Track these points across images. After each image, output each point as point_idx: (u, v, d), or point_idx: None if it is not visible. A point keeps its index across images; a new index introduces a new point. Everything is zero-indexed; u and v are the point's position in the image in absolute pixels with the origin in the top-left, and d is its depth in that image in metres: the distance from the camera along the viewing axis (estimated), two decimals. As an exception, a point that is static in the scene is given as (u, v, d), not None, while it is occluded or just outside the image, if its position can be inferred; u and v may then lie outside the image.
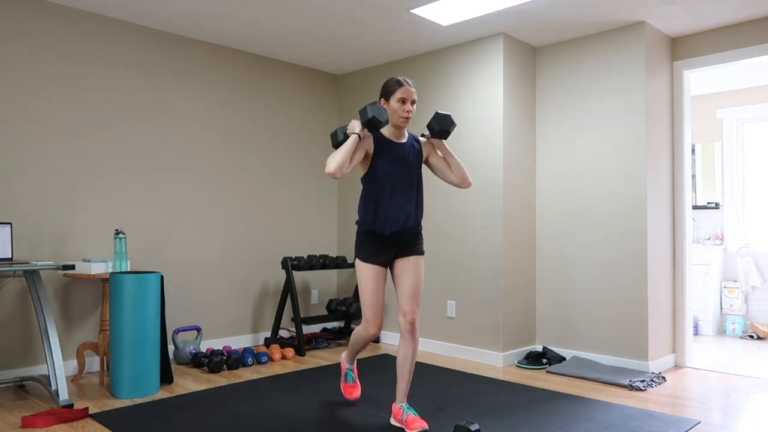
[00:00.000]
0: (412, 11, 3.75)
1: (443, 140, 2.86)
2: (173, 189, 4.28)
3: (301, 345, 4.42)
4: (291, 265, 4.61)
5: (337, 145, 2.79)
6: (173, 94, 4.29)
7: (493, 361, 4.15)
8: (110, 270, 3.57)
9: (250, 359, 4.03)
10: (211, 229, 4.48)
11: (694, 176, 5.86)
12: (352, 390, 3.14)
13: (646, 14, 3.79)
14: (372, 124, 2.64)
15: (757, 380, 3.76)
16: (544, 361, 4.10)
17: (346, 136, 2.75)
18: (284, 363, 4.16)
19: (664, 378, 3.73)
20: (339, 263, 4.87)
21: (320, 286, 5.29)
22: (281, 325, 4.93)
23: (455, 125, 2.82)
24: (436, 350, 4.50)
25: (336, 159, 2.57)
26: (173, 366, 4.03)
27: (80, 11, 3.82)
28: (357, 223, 2.82)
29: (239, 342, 4.66)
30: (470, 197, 4.34)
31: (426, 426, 2.65)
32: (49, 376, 3.19)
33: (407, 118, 2.73)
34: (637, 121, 3.94)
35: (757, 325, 5.22)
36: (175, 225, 4.28)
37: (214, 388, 3.46)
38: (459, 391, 3.42)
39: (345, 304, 4.76)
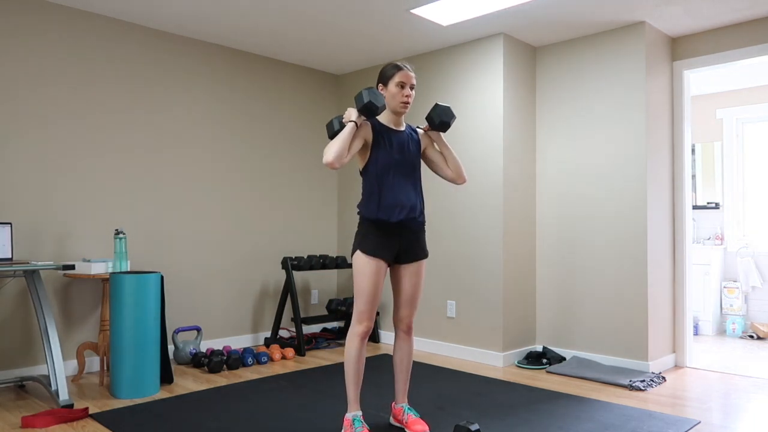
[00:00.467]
0: (412, 11, 3.75)
1: (441, 133, 2.77)
2: (173, 189, 4.28)
3: (301, 345, 4.42)
4: (291, 265, 4.61)
5: (333, 135, 2.64)
6: (174, 95, 4.29)
7: (493, 361, 4.15)
8: (110, 270, 3.57)
9: (250, 359, 4.03)
10: (211, 229, 4.48)
11: (694, 176, 5.86)
12: None
13: (646, 14, 3.79)
14: (368, 110, 2.50)
15: (757, 380, 3.76)
16: (544, 361, 4.10)
17: (342, 125, 2.60)
18: (284, 363, 4.16)
19: (664, 378, 3.73)
20: (339, 263, 4.86)
21: (320, 286, 5.29)
22: (281, 325, 4.93)
23: (455, 118, 2.74)
24: (436, 350, 4.50)
25: (333, 148, 2.43)
26: (173, 366, 4.03)
27: (81, 11, 3.82)
28: (359, 214, 2.66)
29: (239, 342, 4.66)
30: (470, 197, 4.33)
31: (427, 428, 2.64)
32: (49, 376, 3.19)
33: (407, 103, 2.60)
34: (637, 121, 3.94)
35: (757, 325, 5.22)
36: (175, 225, 4.28)
37: (214, 388, 3.46)
38: (459, 391, 3.42)
39: (345, 304, 4.77)
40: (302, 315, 5.10)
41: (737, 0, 3.54)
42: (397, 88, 2.59)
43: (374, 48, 4.58)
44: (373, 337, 4.91)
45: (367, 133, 2.60)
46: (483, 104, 4.28)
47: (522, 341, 4.31)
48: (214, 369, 3.84)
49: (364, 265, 2.57)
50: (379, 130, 2.63)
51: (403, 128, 2.70)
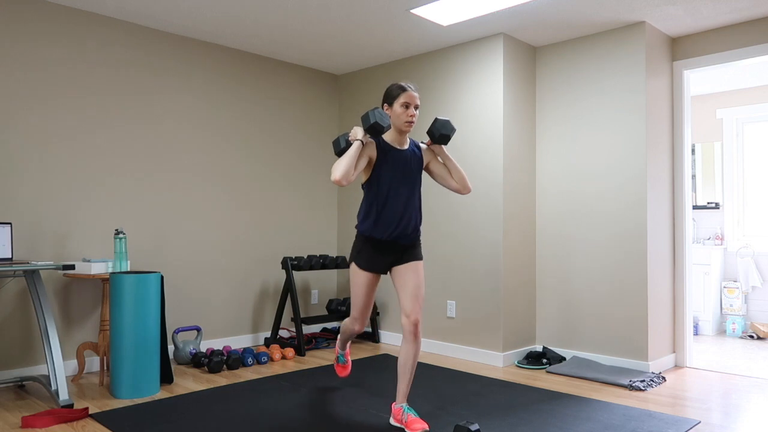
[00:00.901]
0: (412, 11, 3.75)
1: (443, 146, 2.88)
2: (173, 189, 4.28)
3: (301, 345, 4.42)
4: (291, 265, 4.61)
5: (340, 152, 2.80)
6: (174, 95, 4.29)
7: (493, 361, 4.15)
8: (110, 270, 3.57)
9: (250, 359, 4.03)
10: (211, 229, 4.48)
11: (694, 176, 5.86)
12: (343, 369, 3.41)
13: (646, 14, 3.79)
14: (374, 130, 2.66)
15: (757, 380, 3.76)
16: (544, 361, 4.10)
17: (349, 143, 2.76)
18: (284, 363, 4.17)
19: (664, 378, 3.73)
20: (339, 263, 4.87)
21: (320, 286, 5.29)
22: (281, 325, 4.93)
23: (455, 130, 2.84)
24: (436, 350, 4.50)
25: (341, 166, 2.58)
26: (173, 366, 4.03)
27: (80, 11, 3.82)
28: (356, 227, 2.83)
29: (239, 342, 4.66)
30: (470, 197, 4.34)
31: (426, 427, 2.65)
32: (49, 376, 3.19)
33: (411, 123, 2.73)
34: (637, 121, 3.94)
35: (757, 325, 5.22)
36: (175, 225, 4.28)
37: (214, 388, 3.46)
38: (459, 391, 3.42)
39: (345, 305, 4.77)
40: (302, 315, 5.10)
41: (737, 0, 3.54)
42: (401, 108, 2.72)
43: (374, 48, 4.58)
44: (373, 337, 4.91)
45: (372, 151, 2.74)
46: (483, 104, 4.28)
47: (522, 341, 4.31)
48: (214, 369, 3.84)
49: (358, 277, 2.83)
50: (383, 148, 2.76)
51: (406, 146, 2.83)
